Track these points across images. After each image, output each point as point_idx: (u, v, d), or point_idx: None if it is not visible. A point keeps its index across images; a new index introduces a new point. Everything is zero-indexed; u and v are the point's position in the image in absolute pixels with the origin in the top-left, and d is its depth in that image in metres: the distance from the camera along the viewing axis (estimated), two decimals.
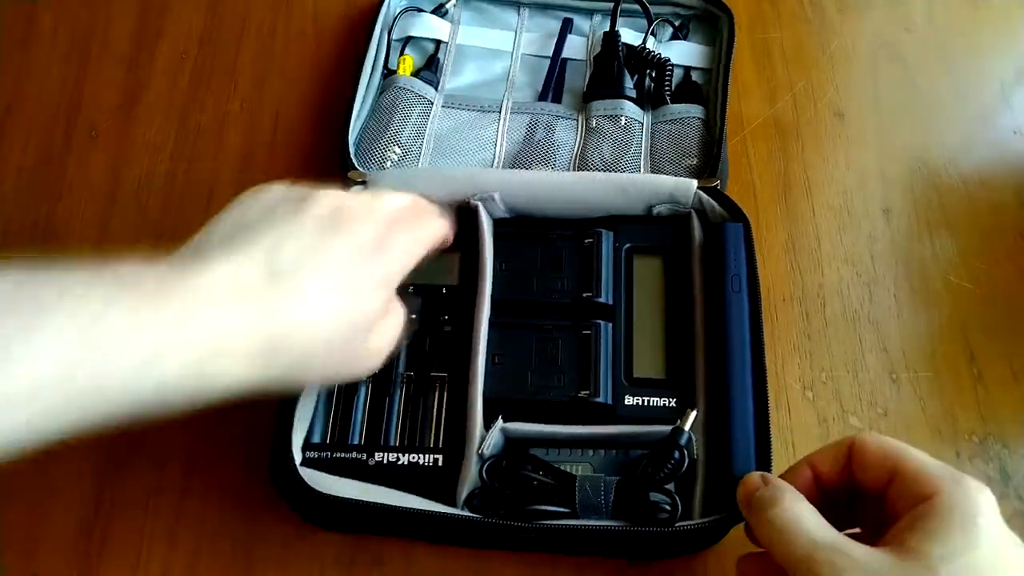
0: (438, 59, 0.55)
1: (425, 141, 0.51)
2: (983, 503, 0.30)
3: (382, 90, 0.52)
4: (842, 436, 0.44)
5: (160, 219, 0.51)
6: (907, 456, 0.32)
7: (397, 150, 0.50)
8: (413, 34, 0.55)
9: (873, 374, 0.46)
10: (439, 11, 0.56)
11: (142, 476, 0.44)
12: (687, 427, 0.39)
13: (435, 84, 0.53)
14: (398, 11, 0.56)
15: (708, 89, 0.53)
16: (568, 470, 0.39)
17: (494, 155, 0.51)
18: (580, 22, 0.56)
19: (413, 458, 0.40)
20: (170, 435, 0.45)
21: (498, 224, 0.46)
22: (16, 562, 0.42)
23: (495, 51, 0.56)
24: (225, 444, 0.45)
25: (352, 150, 0.49)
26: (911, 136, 0.54)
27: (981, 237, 0.51)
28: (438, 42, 0.55)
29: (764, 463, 0.38)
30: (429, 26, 0.55)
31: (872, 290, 0.49)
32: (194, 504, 0.43)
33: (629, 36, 0.54)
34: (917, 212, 0.51)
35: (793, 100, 0.55)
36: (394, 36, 0.55)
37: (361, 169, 0.48)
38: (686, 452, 0.38)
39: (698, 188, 0.46)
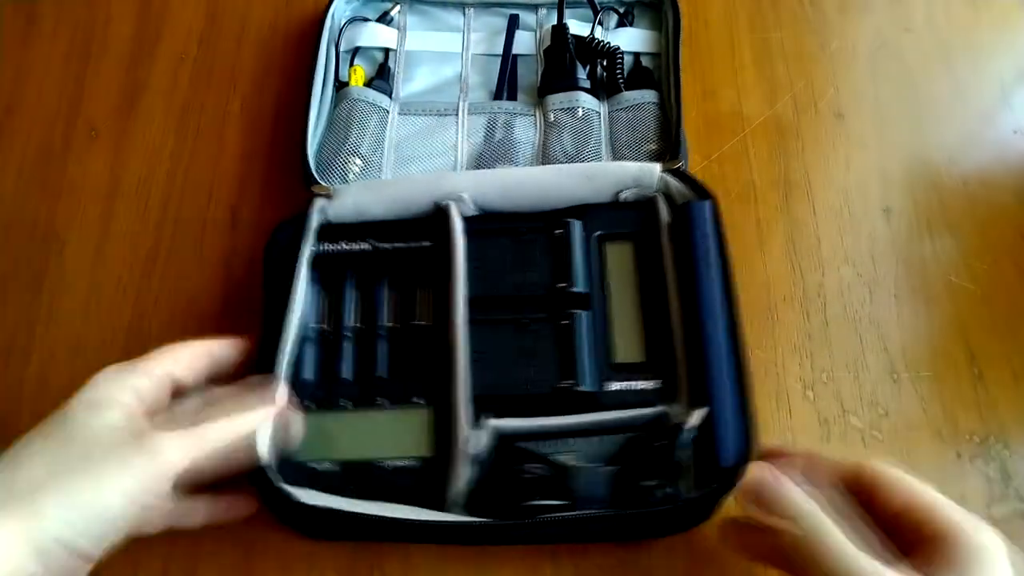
0: (388, 67, 0.54)
1: (385, 150, 0.51)
2: (1000, 548, 0.33)
3: (336, 103, 0.52)
4: (843, 437, 0.45)
5: (160, 219, 0.51)
6: (922, 492, 0.34)
7: (358, 162, 0.50)
8: (361, 44, 0.54)
9: (874, 374, 0.46)
10: (384, 19, 0.56)
11: None
12: (690, 425, 0.39)
13: (388, 92, 0.53)
14: (343, 22, 0.55)
15: (659, 73, 0.53)
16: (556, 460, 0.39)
17: (456, 159, 0.51)
18: (526, 17, 0.57)
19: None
20: None
21: (467, 221, 0.46)
22: None
23: (444, 54, 0.55)
24: None
25: (312, 164, 0.48)
26: (911, 136, 0.54)
27: (981, 237, 0.51)
28: (387, 50, 0.55)
29: (747, 440, 0.38)
30: (376, 35, 0.55)
31: (872, 290, 0.49)
32: None
33: (576, 27, 0.54)
34: (917, 212, 0.51)
35: (793, 100, 0.55)
36: (342, 47, 0.54)
37: (324, 183, 0.48)
38: (689, 449, 0.39)
39: (662, 171, 0.46)
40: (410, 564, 0.42)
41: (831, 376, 0.46)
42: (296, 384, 0.42)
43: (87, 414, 0.34)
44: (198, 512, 0.39)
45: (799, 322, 0.48)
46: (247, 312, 0.48)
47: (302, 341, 0.43)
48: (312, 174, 0.48)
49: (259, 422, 0.38)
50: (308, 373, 0.43)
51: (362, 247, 0.45)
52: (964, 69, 0.56)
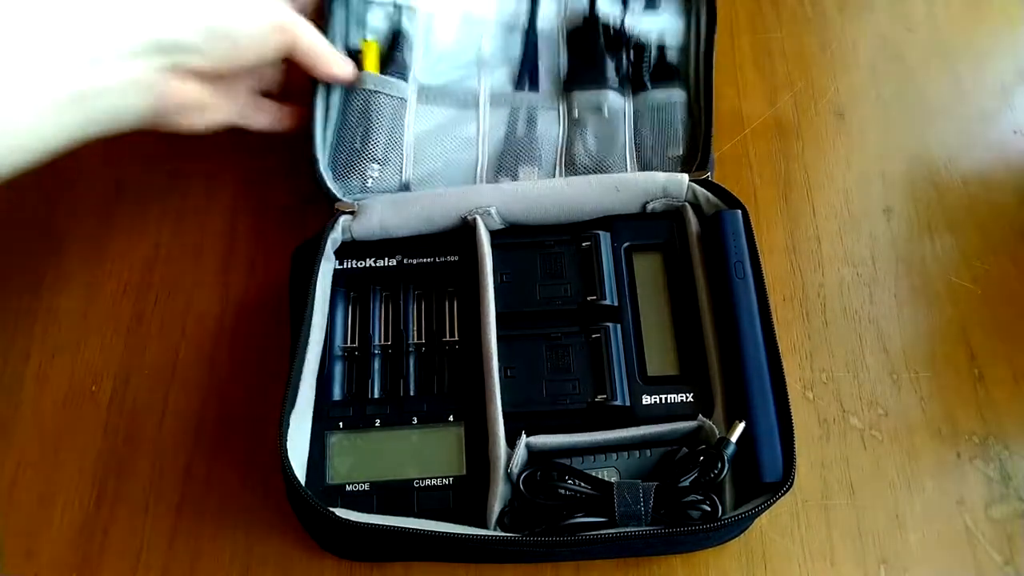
0: (403, 32, 0.50)
1: (405, 149, 0.49)
2: None
3: (347, 92, 0.48)
4: (842, 437, 0.45)
5: (160, 218, 0.51)
6: None
7: (376, 166, 0.48)
8: None
9: (873, 374, 0.46)
10: None
11: (142, 476, 0.44)
12: (734, 439, 0.38)
13: (405, 70, 0.50)
14: None
15: (687, 67, 0.51)
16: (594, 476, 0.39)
17: (477, 157, 0.49)
18: None
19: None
20: (170, 436, 0.45)
21: (494, 236, 0.46)
22: (16, 562, 0.42)
23: (464, 15, 0.52)
24: (225, 446, 0.45)
25: (329, 174, 0.47)
26: (911, 136, 0.54)
27: (982, 237, 0.51)
28: (399, 8, 0.50)
29: (788, 453, 0.38)
30: None
31: (872, 290, 0.49)
32: (193, 506, 0.43)
33: (601, 4, 0.51)
34: (918, 212, 0.51)
35: (793, 100, 0.55)
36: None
37: (346, 199, 0.46)
38: (728, 463, 0.38)
39: (690, 181, 0.46)
40: (411, 573, 0.42)
41: (831, 376, 0.46)
42: (325, 404, 0.42)
43: None
44: (265, 112, 0.47)
45: (799, 322, 0.48)
46: (246, 310, 0.48)
47: (331, 360, 0.43)
48: (329, 188, 0.46)
49: (342, 68, 0.46)
50: (338, 392, 0.43)
51: (389, 263, 0.45)
52: (964, 69, 0.56)
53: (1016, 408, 0.46)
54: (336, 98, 0.48)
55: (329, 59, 0.45)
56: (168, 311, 0.48)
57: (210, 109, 0.42)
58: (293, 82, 0.49)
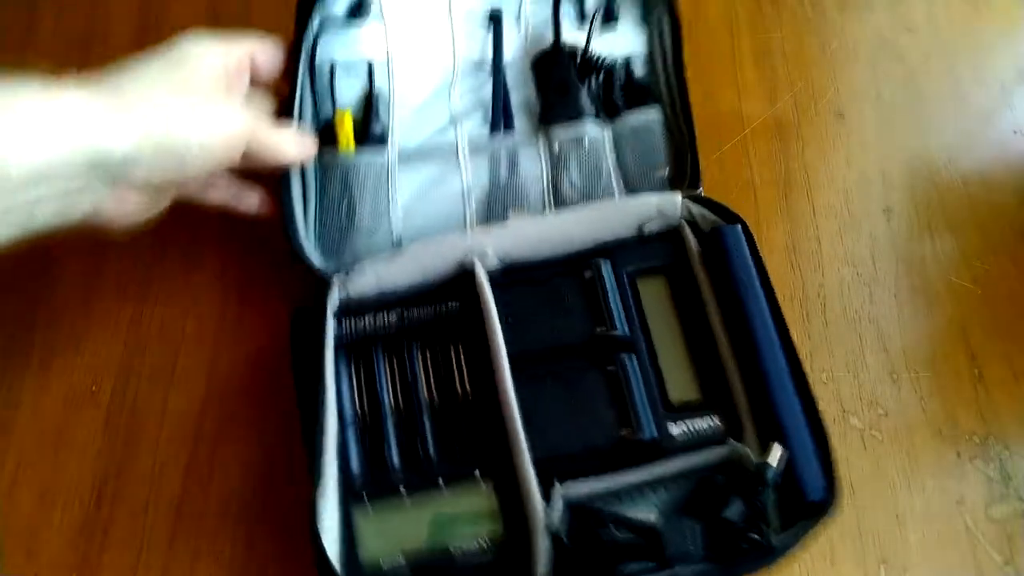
0: (375, 93, 0.49)
1: (392, 215, 0.47)
2: None
3: (325, 170, 0.47)
4: (843, 437, 0.45)
5: (159, 218, 0.51)
6: None
7: (364, 237, 0.46)
8: (338, 58, 0.49)
9: (874, 374, 0.46)
10: (360, 10, 0.49)
11: (142, 476, 0.44)
12: (774, 462, 0.37)
13: (383, 133, 0.48)
14: (315, 31, 0.48)
15: (658, 84, 0.50)
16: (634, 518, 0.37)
17: (464, 211, 0.48)
18: (507, 5, 0.51)
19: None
20: (170, 436, 0.45)
21: (492, 277, 0.44)
22: (16, 562, 0.42)
23: (433, 55, 0.51)
24: (224, 446, 0.45)
25: (317, 255, 0.45)
26: (911, 136, 0.54)
27: (982, 237, 0.51)
28: (370, 66, 0.50)
29: (828, 468, 0.37)
30: (355, 44, 0.49)
31: (872, 290, 0.49)
32: (193, 506, 0.43)
33: (564, 30, 0.50)
34: (918, 212, 0.51)
35: (793, 100, 0.55)
36: (318, 58, 0.48)
37: (340, 273, 0.44)
38: (770, 487, 0.37)
39: (683, 198, 0.45)
40: None
41: (831, 376, 0.46)
42: (346, 477, 0.39)
43: (193, 51, 0.39)
44: (221, 190, 0.45)
45: (799, 322, 0.48)
46: (246, 309, 0.48)
47: (343, 429, 0.41)
48: (315, 268, 0.44)
49: (298, 152, 0.43)
50: (355, 464, 0.40)
51: (389, 318, 0.43)
52: (964, 69, 0.56)
53: (1016, 408, 0.46)
54: (312, 179, 0.47)
55: (282, 148, 0.42)
56: (168, 311, 0.48)
57: (146, 213, 0.40)
58: None
